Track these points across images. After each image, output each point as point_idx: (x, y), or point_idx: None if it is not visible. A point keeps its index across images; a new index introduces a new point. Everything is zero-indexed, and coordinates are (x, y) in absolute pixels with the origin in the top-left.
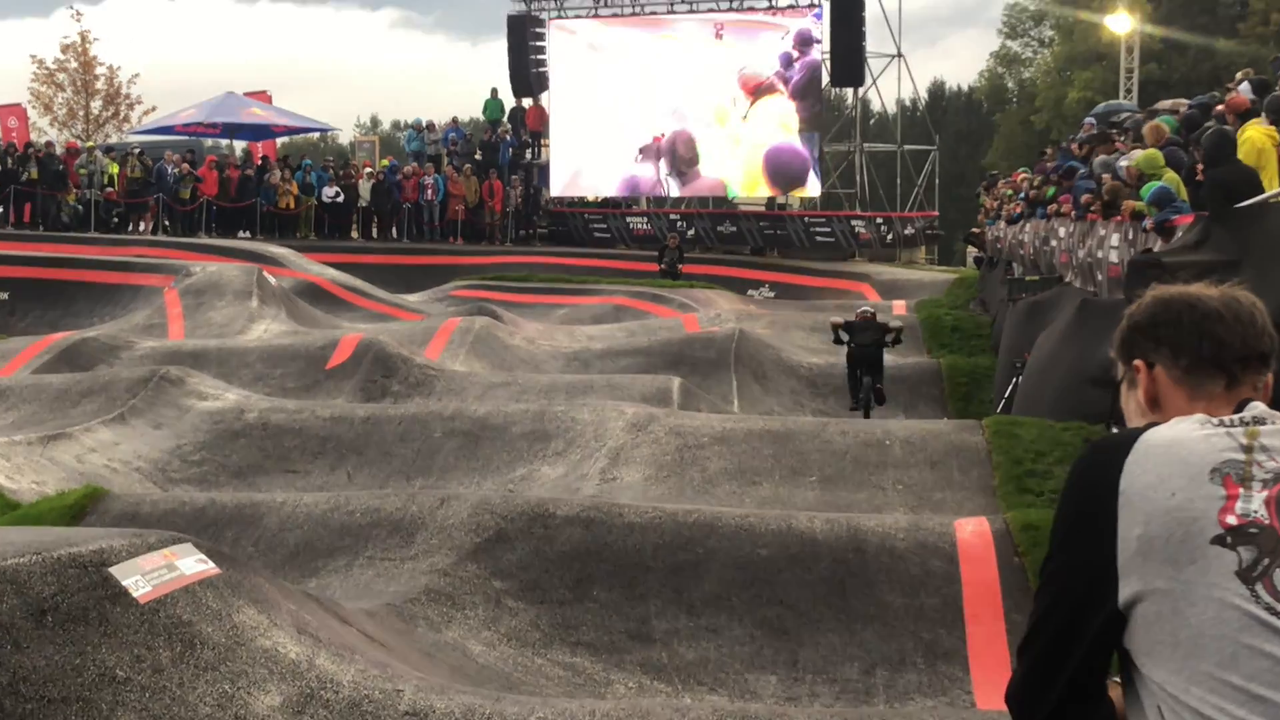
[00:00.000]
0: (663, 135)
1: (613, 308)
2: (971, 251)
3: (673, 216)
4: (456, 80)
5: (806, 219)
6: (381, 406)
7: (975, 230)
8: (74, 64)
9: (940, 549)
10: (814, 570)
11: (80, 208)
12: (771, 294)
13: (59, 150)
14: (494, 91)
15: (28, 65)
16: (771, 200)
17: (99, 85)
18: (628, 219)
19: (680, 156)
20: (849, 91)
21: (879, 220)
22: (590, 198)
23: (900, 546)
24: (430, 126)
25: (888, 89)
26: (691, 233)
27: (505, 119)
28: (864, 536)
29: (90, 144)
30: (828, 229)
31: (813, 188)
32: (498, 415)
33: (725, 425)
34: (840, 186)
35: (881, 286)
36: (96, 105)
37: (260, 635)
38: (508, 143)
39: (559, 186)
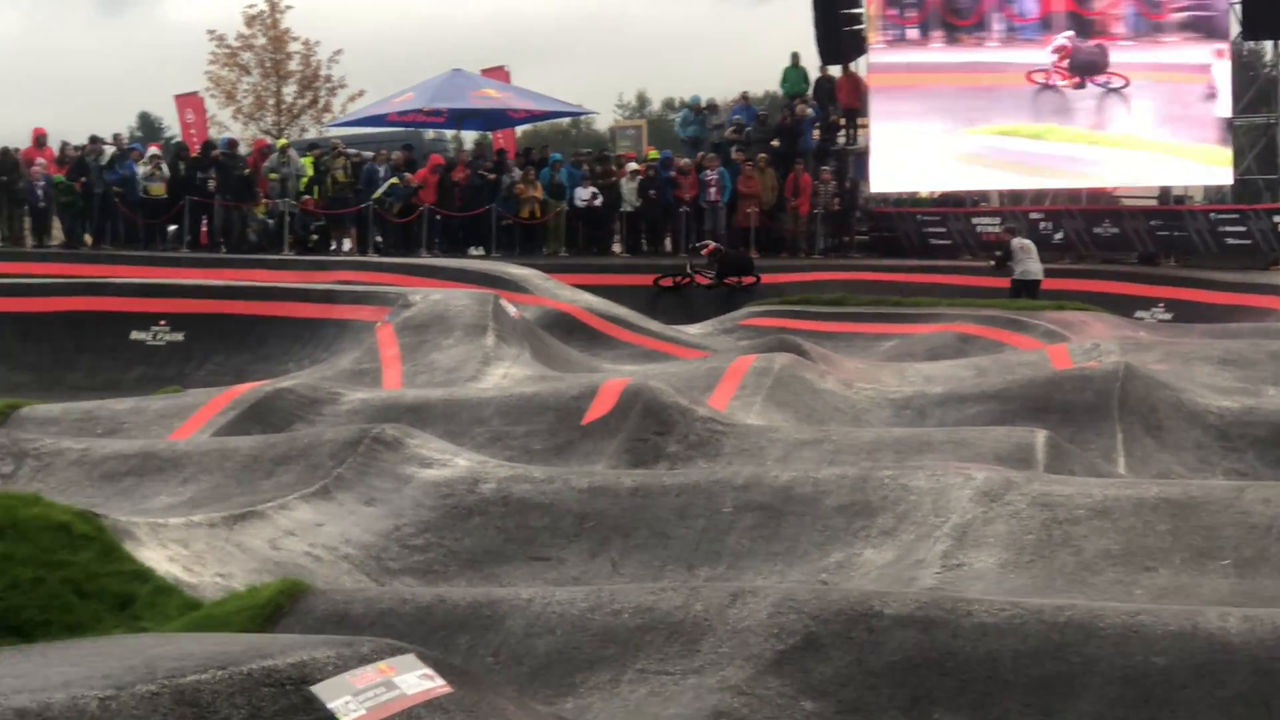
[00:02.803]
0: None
1: (955, 338)
2: None
3: (1034, 215)
4: (744, 46)
5: (1213, 215)
6: (654, 474)
7: None
8: (262, 40)
9: None
10: (1228, 685)
11: (271, 222)
12: (1167, 315)
13: (244, 150)
14: (795, 58)
15: (205, 44)
16: (1165, 193)
17: (293, 66)
18: (974, 220)
19: None
20: (1267, 46)
21: None
22: (922, 193)
23: None
24: (712, 106)
25: None
26: (1060, 236)
27: (809, 93)
28: None
29: (283, 141)
30: (1242, 228)
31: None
32: (805, 483)
33: (1107, 493)
34: (1258, 171)
35: None
36: (290, 91)
37: None
38: (810, 120)
39: (883, 180)
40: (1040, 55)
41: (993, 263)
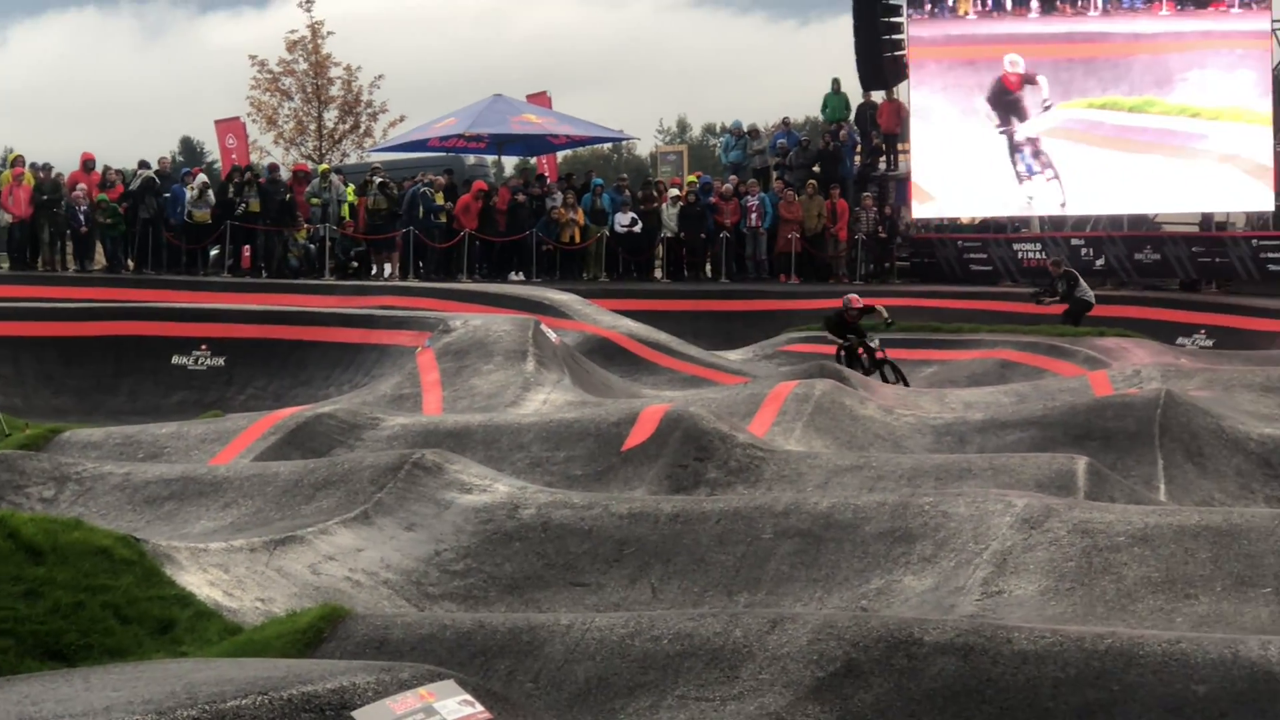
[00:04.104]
0: None
1: (996, 364)
2: None
3: (1075, 241)
4: (786, 71)
5: (1256, 241)
6: (694, 500)
7: None
8: (303, 65)
9: None
10: (1269, 713)
11: (312, 247)
12: (1209, 342)
13: (285, 174)
14: (836, 84)
15: (246, 69)
16: (1207, 219)
17: (334, 91)
18: (1015, 246)
19: None
20: None
21: None
22: (963, 219)
23: None
24: (753, 132)
25: None
26: (1101, 262)
27: (851, 119)
28: None
29: (324, 166)
30: None
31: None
32: (845, 509)
33: (1148, 520)
34: None
35: None
36: (331, 116)
37: None
38: (849, 146)
39: (926, 206)
40: None
41: (1055, 296)
